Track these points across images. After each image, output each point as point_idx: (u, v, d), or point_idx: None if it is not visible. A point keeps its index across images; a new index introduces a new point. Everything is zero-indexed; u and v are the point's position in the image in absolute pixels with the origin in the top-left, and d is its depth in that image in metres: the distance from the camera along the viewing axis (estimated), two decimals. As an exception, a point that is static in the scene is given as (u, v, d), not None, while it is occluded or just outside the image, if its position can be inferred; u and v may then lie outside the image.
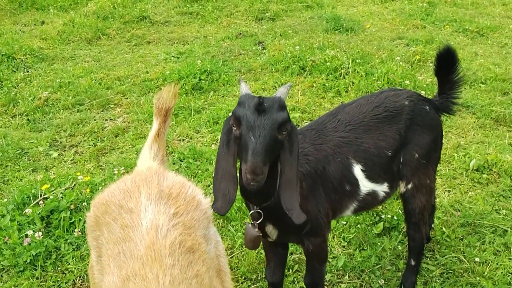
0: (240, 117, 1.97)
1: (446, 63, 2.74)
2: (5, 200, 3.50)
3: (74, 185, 3.69)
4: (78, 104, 4.98)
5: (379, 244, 3.19)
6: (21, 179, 3.88)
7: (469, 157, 3.97)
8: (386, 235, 3.28)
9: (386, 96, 2.64)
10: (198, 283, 1.26)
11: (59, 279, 2.97)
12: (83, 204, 3.41)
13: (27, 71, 5.73)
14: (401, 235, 3.24)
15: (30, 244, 3.05)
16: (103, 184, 3.64)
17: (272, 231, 2.37)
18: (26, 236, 3.10)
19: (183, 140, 4.44)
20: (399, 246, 3.16)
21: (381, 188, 2.57)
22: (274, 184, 2.12)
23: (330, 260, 3.10)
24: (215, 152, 4.13)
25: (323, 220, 2.42)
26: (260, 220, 2.23)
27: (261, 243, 2.52)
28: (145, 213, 1.35)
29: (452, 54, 2.71)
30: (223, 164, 2.08)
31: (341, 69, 5.36)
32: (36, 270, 3.00)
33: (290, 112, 4.74)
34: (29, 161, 4.13)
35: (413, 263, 2.83)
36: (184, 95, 5.12)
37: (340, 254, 3.14)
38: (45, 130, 4.59)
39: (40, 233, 3.10)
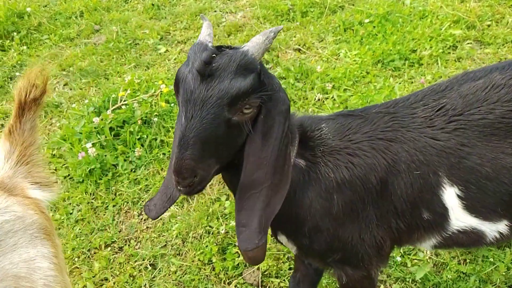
0: (179, 81, 1.27)
1: None
2: (86, 101, 3.37)
3: (160, 93, 3.35)
4: (207, -12, 4.46)
5: (491, 259, 2.18)
6: (120, 75, 3.70)
7: None
8: (509, 246, 2.23)
9: None
10: None
11: (107, 200, 2.80)
12: (154, 119, 3.08)
13: None
14: (531, 256, 2.16)
15: (83, 158, 2.90)
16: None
17: (288, 244, 1.67)
18: (82, 150, 2.94)
19: (299, 50, 3.64)
20: (519, 274, 2.12)
21: (493, 228, 1.54)
22: None
23: (409, 265, 2.25)
24: (329, 71, 3.31)
25: (368, 251, 1.58)
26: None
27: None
28: None
29: None
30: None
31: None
32: (90, 185, 2.88)
33: (450, 26, 3.46)
34: (136, 55, 3.90)
35: None
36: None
37: (426, 259, 2.25)
38: (164, 18, 4.26)
39: (94, 150, 2.90)
